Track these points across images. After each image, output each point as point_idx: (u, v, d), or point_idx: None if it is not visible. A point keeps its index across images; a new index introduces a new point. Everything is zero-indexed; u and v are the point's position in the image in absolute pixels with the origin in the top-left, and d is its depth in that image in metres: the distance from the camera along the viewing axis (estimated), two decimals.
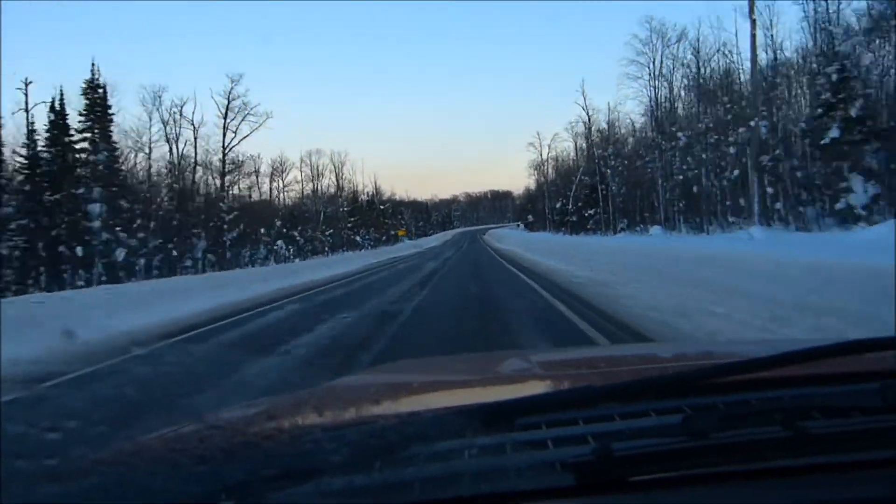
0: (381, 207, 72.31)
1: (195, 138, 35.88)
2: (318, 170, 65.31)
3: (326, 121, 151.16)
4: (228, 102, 37.74)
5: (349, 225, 61.78)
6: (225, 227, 31.62)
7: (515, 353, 1.88)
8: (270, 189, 61.77)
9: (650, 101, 36.53)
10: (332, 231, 51.69)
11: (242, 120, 37.97)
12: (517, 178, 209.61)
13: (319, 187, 65.14)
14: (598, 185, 42.40)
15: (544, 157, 74.45)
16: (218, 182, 47.33)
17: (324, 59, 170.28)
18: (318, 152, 65.08)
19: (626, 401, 0.80)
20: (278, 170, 63.42)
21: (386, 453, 0.68)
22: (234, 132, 37.84)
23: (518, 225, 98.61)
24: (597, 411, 0.81)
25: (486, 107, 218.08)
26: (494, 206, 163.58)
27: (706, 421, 0.68)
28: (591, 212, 44.27)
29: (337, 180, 65.46)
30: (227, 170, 38.08)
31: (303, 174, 61.14)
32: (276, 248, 36.67)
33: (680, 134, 27.47)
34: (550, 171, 74.51)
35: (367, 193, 71.19)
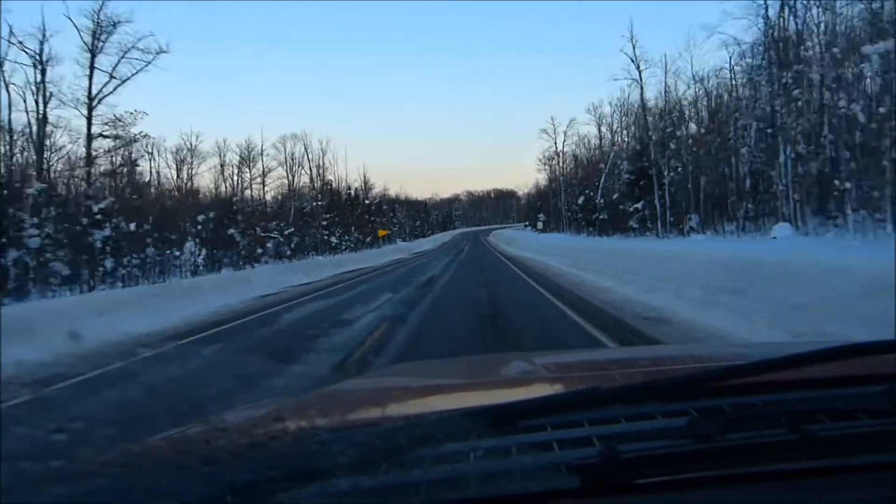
0: (367, 202, 60.69)
1: (42, 83, 21.67)
2: (293, 158, 53.74)
3: (320, 117, 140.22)
4: (98, 28, 22.83)
5: (324, 223, 49.88)
6: (85, 220, 19.98)
7: (520, 355, 1.87)
8: (239, 181, 50.10)
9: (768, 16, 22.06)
10: (292, 230, 39.87)
11: (123, 57, 23.28)
12: (522, 177, 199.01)
13: (294, 179, 53.63)
14: (653, 170, 30.57)
15: (559, 146, 62.97)
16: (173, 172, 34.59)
17: (319, 52, 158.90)
18: (295, 137, 53.63)
19: (631, 403, 0.80)
20: (247, 158, 51.95)
21: (392, 455, 0.68)
22: (112, 74, 23.58)
23: (525, 225, 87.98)
24: (602, 413, 0.80)
25: (489, 102, 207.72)
26: (498, 205, 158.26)
27: (712, 423, 0.68)
28: (638, 206, 32.44)
29: (310, 169, 53.83)
30: (100, 132, 23.41)
31: (263, 163, 49.65)
32: (182, 253, 25.01)
33: (869, 48, 14.95)
34: (567, 162, 63.04)
35: (354, 189, 59.76)
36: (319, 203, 51.96)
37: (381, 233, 42.50)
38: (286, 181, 53.61)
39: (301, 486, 0.61)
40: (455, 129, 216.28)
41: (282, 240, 38.55)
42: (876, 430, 0.71)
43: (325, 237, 48.41)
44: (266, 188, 51.46)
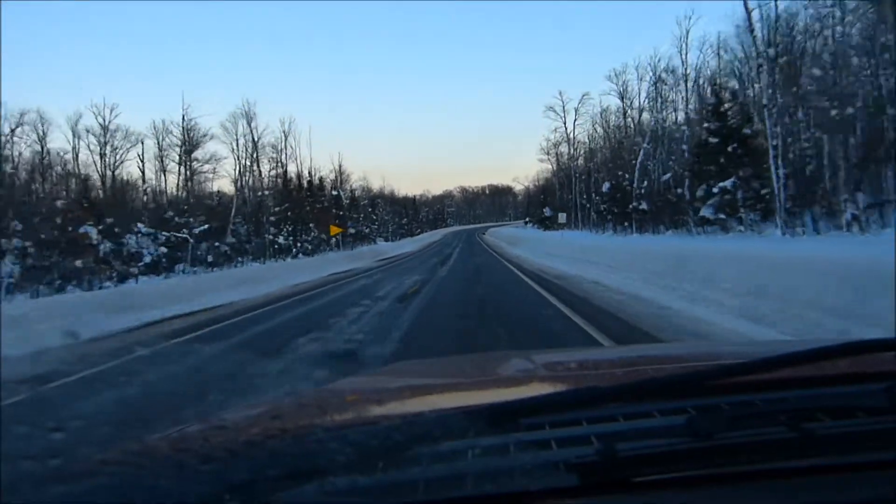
0: (335, 194, 48.98)
1: None
2: (246, 140, 42.31)
3: (309, 111, 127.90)
4: None
5: (272, 219, 38.40)
6: None
7: (519, 353, 1.73)
8: (183, 168, 39.27)
9: None
10: (207, 227, 28.24)
11: None
12: (521, 171, 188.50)
13: (250, 165, 42.29)
14: (764, 124, 18.97)
15: (569, 128, 51.61)
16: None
17: (309, 43, 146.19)
18: (247, 115, 42.07)
19: (630, 401, 0.79)
20: (186, 140, 40.78)
21: (390, 453, 0.67)
22: None
23: (525, 222, 77.36)
24: (601, 412, 0.79)
25: (483, 94, 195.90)
26: (493, 202, 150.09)
27: (711, 422, 0.68)
28: (726, 185, 20.86)
29: (255, 150, 42.19)
30: None
31: (185, 138, 38.27)
32: None
33: None
34: (581, 145, 51.93)
35: (319, 179, 48.22)
36: (266, 193, 40.15)
37: (333, 230, 30.80)
38: (240, 168, 42.13)
39: (299, 484, 0.61)
40: (448, 124, 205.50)
41: (191, 241, 26.74)
42: (876, 427, 0.70)
43: (273, 237, 36.74)
44: (214, 176, 40.18)
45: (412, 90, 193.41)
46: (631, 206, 31.67)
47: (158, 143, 39.76)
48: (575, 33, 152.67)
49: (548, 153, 59.83)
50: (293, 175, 43.74)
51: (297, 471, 0.62)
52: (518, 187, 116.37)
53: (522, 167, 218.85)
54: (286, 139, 44.80)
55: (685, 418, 0.70)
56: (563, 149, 53.73)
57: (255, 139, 41.25)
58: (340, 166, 57.03)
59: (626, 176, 33.50)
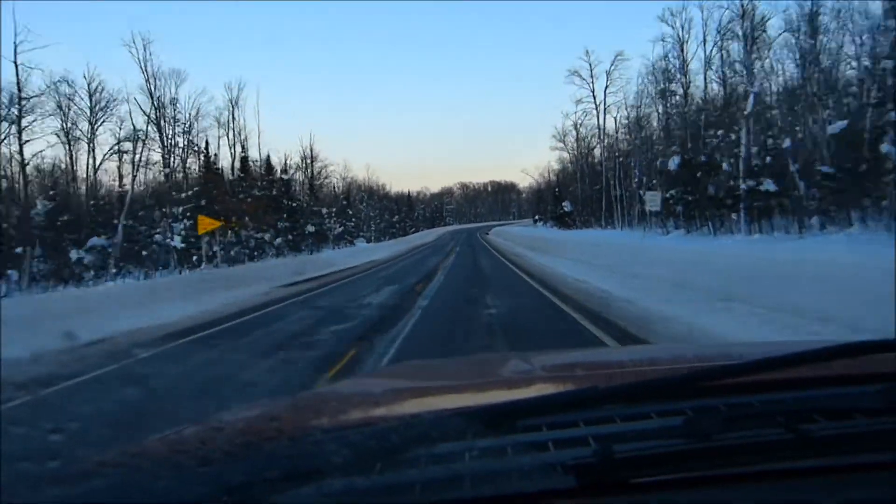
0: (284, 178, 36.05)
1: None
2: (173, 106, 29.72)
3: (306, 107, 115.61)
4: None
5: (187, 213, 24.94)
6: None
7: (516, 355, 1.75)
8: (90, 145, 26.65)
9: None
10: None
11: None
12: (526, 165, 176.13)
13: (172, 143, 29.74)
14: None
15: (598, 96, 38.83)
16: None
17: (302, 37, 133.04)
18: (177, 74, 29.55)
19: (627, 402, 0.79)
20: (92, 108, 27.79)
21: (387, 455, 0.67)
22: None
23: (535, 220, 68.56)
24: (598, 413, 0.79)
25: (484, 87, 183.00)
26: (496, 200, 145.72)
27: (708, 423, 0.68)
28: None
29: (157, 114, 29.32)
30: None
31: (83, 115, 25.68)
32: None
33: None
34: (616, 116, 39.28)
35: (265, 160, 35.55)
36: (170, 173, 27.16)
37: (204, 224, 17.81)
38: (136, 138, 29.19)
39: (297, 486, 0.61)
40: (448, 120, 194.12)
41: None
42: (872, 429, 0.70)
43: (167, 240, 23.52)
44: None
45: (410, 85, 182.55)
46: (743, 188, 18.65)
47: (62, 111, 26.52)
48: (574, 28, 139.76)
49: (563, 139, 46.88)
50: (240, 156, 31.10)
51: (295, 472, 0.62)
52: (524, 182, 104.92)
53: (528, 163, 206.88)
54: (233, 108, 31.81)
55: (682, 419, 0.70)
56: (584, 130, 41.30)
57: (155, 101, 28.04)
58: (312, 148, 43.70)
59: (732, 136, 20.55)
